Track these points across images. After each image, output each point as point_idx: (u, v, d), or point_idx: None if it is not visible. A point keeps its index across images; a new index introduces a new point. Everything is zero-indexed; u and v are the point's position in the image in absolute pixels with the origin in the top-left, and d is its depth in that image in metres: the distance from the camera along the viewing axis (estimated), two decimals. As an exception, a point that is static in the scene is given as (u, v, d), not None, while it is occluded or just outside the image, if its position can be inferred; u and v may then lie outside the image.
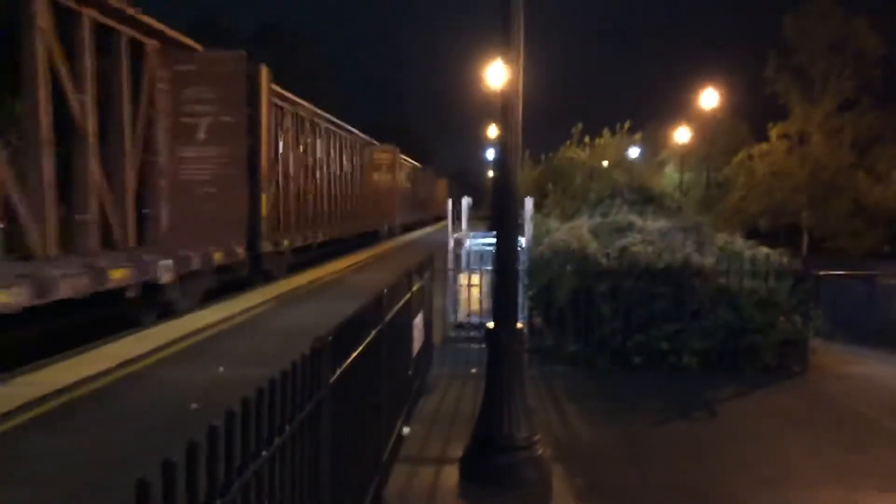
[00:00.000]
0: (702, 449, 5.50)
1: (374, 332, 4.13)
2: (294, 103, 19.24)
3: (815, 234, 38.91)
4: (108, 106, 11.68)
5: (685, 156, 41.16)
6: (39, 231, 9.68)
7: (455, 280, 9.47)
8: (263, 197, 15.13)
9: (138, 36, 12.38)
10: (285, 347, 8.65)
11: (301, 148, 19.94)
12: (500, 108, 4.77)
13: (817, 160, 37.97)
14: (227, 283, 13.97)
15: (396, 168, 37.70)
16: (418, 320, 6.49)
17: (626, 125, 15.25)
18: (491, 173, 43.59)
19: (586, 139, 15.30)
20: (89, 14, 10.79)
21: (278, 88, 17.14)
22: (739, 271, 7.85)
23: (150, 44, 12.88)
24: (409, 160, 46.75)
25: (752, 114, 43.42)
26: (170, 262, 11.26)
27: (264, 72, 15.24)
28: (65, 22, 10.41)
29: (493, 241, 6.54)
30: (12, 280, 7.96)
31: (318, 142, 22.35)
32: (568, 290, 7.96)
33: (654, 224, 9.57)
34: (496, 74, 16.68)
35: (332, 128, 24.40)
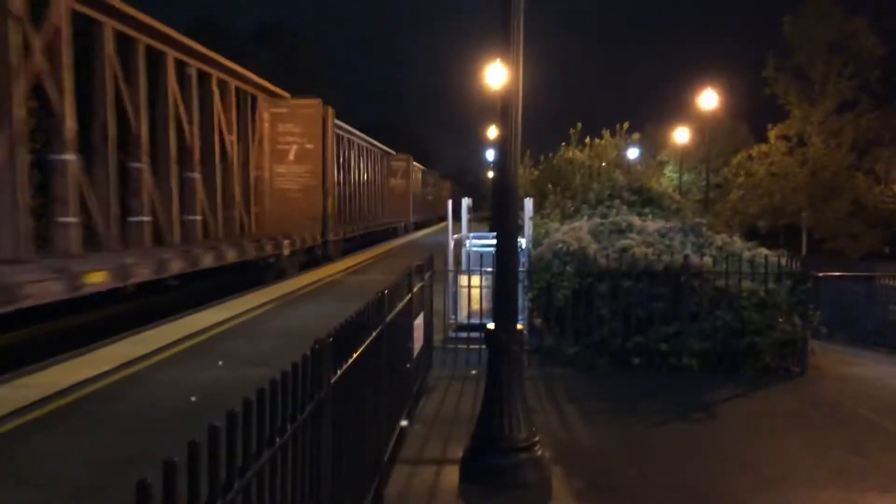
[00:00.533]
0: (701, 450, 5.50)
1: (374, 333, 4.14)
2: (344, 130, 25.44)
3: (814, 234, 38.92)
4: (238, 138, 17.82)
5: (684, 156, 41.20)
6: (214, 224, 16.09)
7: (455, 281, 9.47)
8: (329, 201, 21.27)
9: (252, 90, 18.68)
10: (287, 348, 8.66)
11: (346, 163, 26.23)
12: (500, 109, 4.77)
13: (817, 161, 37.98)
14: (308, 260, 19.97)
15: (410, 174, 42.71)
16: (419, 321, 6.49)
17: (625, 125, 15.22)
18: (491, 174, 43.67)
19: (586, 140, 15.28)
20: (219, 76, 16.57)
21: (336, 120, 22.79)
22: (739, 272, 7.86)
23: (260, 95, 19.22)
24: (419, 165, 51.69)
25: (752, 114, 43.45)
26: (288, 241, 17.73)
27: (331, 112, 21.43)
28: (204, 83, 15.97)
29: (493, 242, 6.56)
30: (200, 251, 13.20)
31: (356, 157, 28.46)
32: (567, 290, 7.97)
33: (654, 225, 9.58)
34: (496, 75, 16.70)
35: (365, 144, 30.54)
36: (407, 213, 41.88)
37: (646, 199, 12.51)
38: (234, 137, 17.32)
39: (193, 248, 13.38)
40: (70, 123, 10.78)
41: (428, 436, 5.72)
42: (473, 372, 7.74)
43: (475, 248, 10.50)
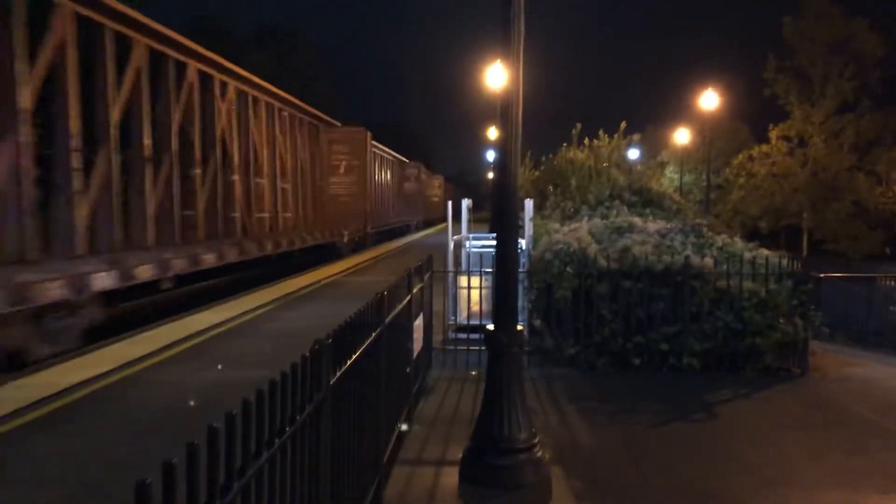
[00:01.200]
0: (702, 450, 5.50)
1: (374, 334, 4.14)
2: (378, 148, 32.84)
3: (815, 235, 38.92)
4: (310, 157, 24.26)
5: (685, 157, 41.20)
6: (298, 219, 22.39)
7: (455, 282, 9.47)
8: (369, 203, 28.42)
9: (315, 122, 25.05)
10: (286, 349, 8.66)
11: (378, 173, 33.18)
12: (500, 110, 4.77)
13: (817, 162, 37.98)
14: (355, 245, 26.83)
15: (421, 179, 50.78)
16: (418, 322, 6.49)
17: (623, 126, 15.21)
18: (491, 175, 43.96)
19: (585, 140, 15.28)
20: (300, 117, 23.16)
21: (372, 141, 29.77)
22: (739, 273, 7.85)
23: (322, 125, 25.92)
24: (425, 170, 58.48)
25: (753, 115, 43.43)
26: (347, 231, 25.37)
27: (369, 135, 28.42)
28: (294, 122, 22.54)
29: (493, 242, 6.55)
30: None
31: (384, 168, 35.45)
32: (568, 291, 7.96)
33: (654, 225, 9.58)
34: (496, 75, 16.69)
35: (389, 157, 37.25)
36: (419, 212, 49.21)
37: (646, 200, 12.52)
38: (308, 157, 24.04)
39: (294, 235, 20.96)
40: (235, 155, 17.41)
41: (427, 437, 5.71)
42: (473, 373, 7.74)
43: (475, 249, 10.50)
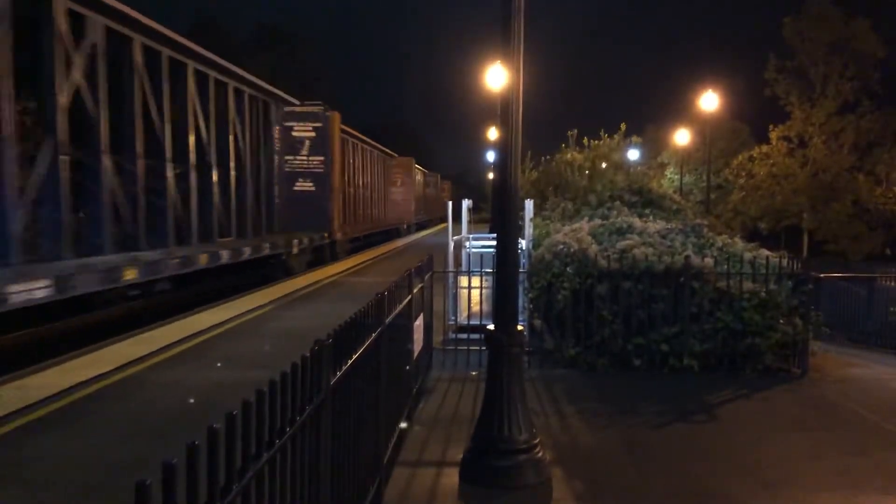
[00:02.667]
0: (702, 451, 5.49)
1: (374, 335, 4.13)
2: (418, 168, 47.74)
3: (815, 236, 38.92)
4: (346, 169, 27.14)
5: (685, 158, 41.19)
6: (335, 220, 22.93)
7: (455, 282, 9.47)
8: (413, 204, 44.97)
9: (383, 154, 35.87)
10: (286, 349, 8.66)
11: (416, 183, 46.70)
12: (501, 110, 4.77)
13: (818, 162, 37.98)
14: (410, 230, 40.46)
15: (439, 185, 66.70)
16: (418, 322, 6.49)
17: (623, 127, 15.21)
18: (491, 175, 44.26)
19: (584, 140, 15.29)
20: (363, 146, 30.31)
21: (417, 166, 45.89)
22: (739, 273, 7.85)
23: (388, 158, 37.27)
24: (441, 180, 71.73)
25: (753, 116, 43.45)
26: (405, 221, 42.14)
27: (412, 160, 45.30)
28: (362, 149, 30.35)
29: (494, 243, 6.55)
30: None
31: (416, 179, 47.42)
32: (568, 292, 7.96)
33: (655, 226, 9.57)
34: (497, 76, 16.69)
35: (418, 170, 49.20)
36: (434, 211, 59.58)
37: (646, 201, 12.52)
38: (382, 174, 34.13)
39: (368, 224, 30.89)
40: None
41: (428, 437, 5.71)
42: (473, 373, 7.73)
43: (475, 250, 10.50)
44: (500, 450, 4.67)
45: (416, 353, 6.32)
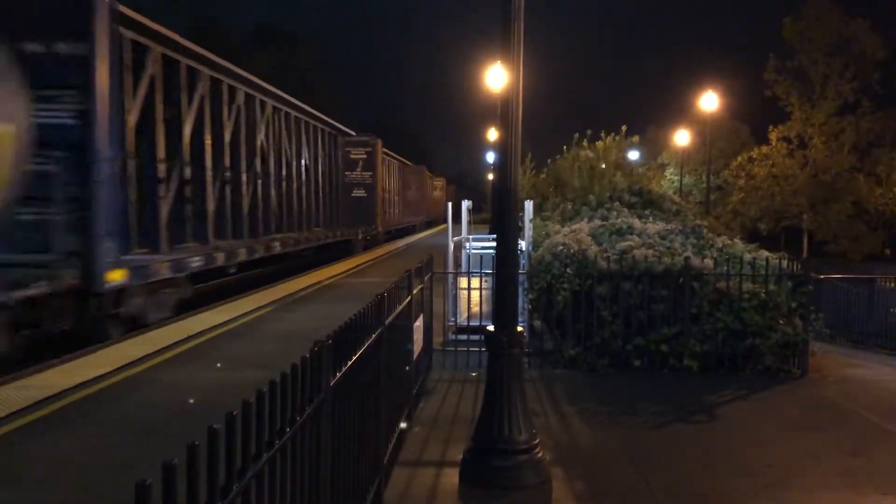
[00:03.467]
0: (702, 452, 5.50)
1: (374, 335, 4.14)
2: (429, 174, 59.80)
3: (815, 237, 38.93)
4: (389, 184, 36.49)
5: (685, 159, 41.20)
6: (378, 218, 30.79)
7: (455, 283, 9.47)
8: (425, 205, 54.45)
9: (404, 161, 43.31)
10: (287, 350, 8.66)
11: (428, 188, 56.33)
12: (500, 111, 4.77)
13: (817, 163, 37.99)
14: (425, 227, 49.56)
15: (444, 188, 73.20)
16: (418, 323, 6.49)
17: (623, 129, 15.23)
18: (491, 176, 44.58)
19: (585, 142, 15.30)
20: (401, 161, 42.06)
21: (428, 172, 57.65)
22: (739, 274, 7.85)
23: (409, 167, 46.81)
24: (435, 177, 73.78)
25: (753, 116, 43.46)
26: (419, 219, 50.45)
27: (425, 168, 57.04)
28: (396, 166, 39.34)
29: (493, 244, 6.55)
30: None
31: (428, 184, 56.21)
32: (568, 292, 7.96)
33: (654, 227, 9.58)
34: (496, 77, 16.69)
35: (428, 175, 58.21)
36: (440, 211, 63.11)
37: (646, 202, 12.52)
38: (401, 181, 40.31)
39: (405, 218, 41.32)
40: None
41: (428, 438, 5.71)
42: (473, 374, 7.74)
43: (475, 251, 10.50)
44: (499, 450, 4.68)
45: (415, 354, 6.32)
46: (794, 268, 8.14)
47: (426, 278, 7.35)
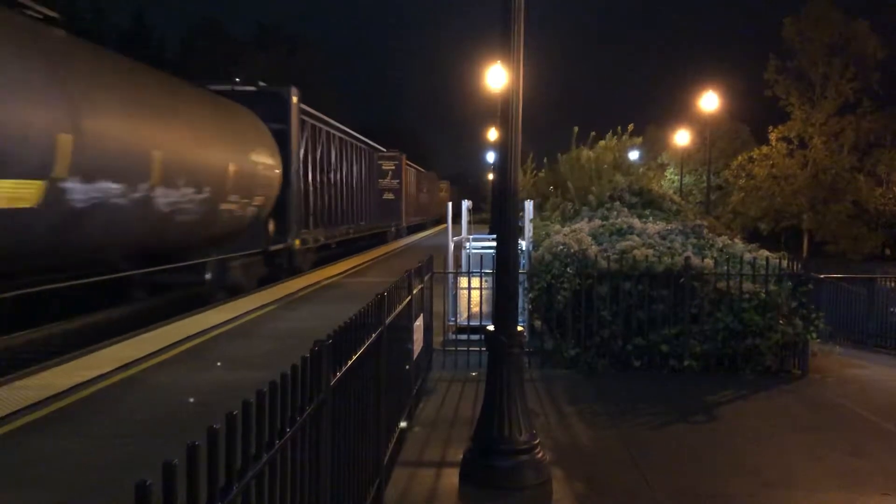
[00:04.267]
0: (702, 452, 5.49)
1: (374, 335, 4.13)
2: (437, 178, 70.23)
3: (815, 237, 38.94)
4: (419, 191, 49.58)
5: (685, 159, 41.20)
6: (403, 216, 40.43)
7: (455, 283, 9.47)
8: (433, 205, 58.12)
9: (419, 169, 52.42)
10: (286, 350, 8.66)
11: (434, 191, 61.80)
12: (501, 111, 4.77)
13: (818, 163, 38.01)
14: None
15: (449, 189, 78.29)
16: (418, 323, 6.49)
17: (630, 127, 15.20)
18: (491, 176, 44.70)
19: (593, 135, 15.28)
20: (417, 169, 51.28)
21: (440, 180, 70.26)
22: (739, 274, 7.85)
23: (423, 173, 54.20)
24: (441, 179, 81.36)
25: (753, 116, 43.47)
26: (430, 217, 56.82)
27: (435, 174, 66.90)
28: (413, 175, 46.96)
29: (493, 243, 6.55)
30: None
31: (436, 186, 64.92)
32: (568, 292, 7.96)
33: (654, 227, 9.58)
34: (497, 77, 16.68)
35: (436, 179, 64.87)
36: (444, 211, 71.55)
37: (646, 201, 12.52)
38: (418, 185, 47.54)
39: (420, 215, 48.36)
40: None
41: (428, 438, 5.71)
42: (473, 374, 7.74)
43: (475, 250, 10.50)
44: (500, 450, 4.67)
45: (415, 354, 6.32)
46: (795, 267, 8.14)
47: (426, 278, 7.34)
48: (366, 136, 35.81)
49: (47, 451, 5.35)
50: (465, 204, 11.40)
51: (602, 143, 15.02)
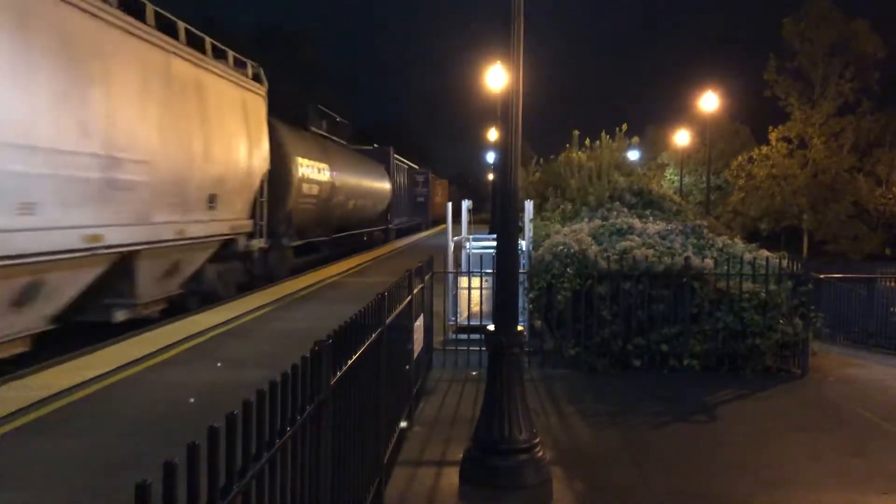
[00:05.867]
0: (702, 452, 5.50)
1: (374, 335, 4.13)
2: (445, 184, 72.98)
3: (815, 236, 38.93)
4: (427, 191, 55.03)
5: (685, 159, 41.19)
6: (429, 213, 53.49)
7: (455, 283, 9.47)
8: (435, 205, 55.10)
9: (437, 177, 66.38)
10: (287, 350, 8.66)
11: (439, 193, 61.95)
12: (501, 111, 4.77)
13: (817, 163, 38.01)
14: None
15: (447, 189, 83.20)
16: (419, 323, 6.49)
17: (624, 128, 15.21)
18: (491, 176, 45.04)
19: (587, 142, 15.28)
20: (431, 176, 57.82)
21: (442, 182, 72.13)
22: (739, 274, 7.85)
23: (438, 180, 67.16)
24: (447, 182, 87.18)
25: (753, 116, 43.46)
26: (433, 216, 56.80)
27: (432, 175, 57.57)
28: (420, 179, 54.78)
29: (494, 243, 6.55)
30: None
31: (441, 188, 65.17)
32: (568, 292, 7.96)
33: (654, 227, 9.57)
34: (497, 77, 16.70)
35: (441, 181, 68.99)
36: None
37: (646, 202, 12.52)
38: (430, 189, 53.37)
39: (435, 213, 53.11)
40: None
41: (428, 437, 5.71)
42: (474, 373, 7.74)
43: (475, 250, 10.50)
44: (500, 450, 4.67)
45: (416, 354, 6.32)
46: (795, 267, 8.14)
47: (426, 278, 7.34)
48: (365, 136, 41.18)
49: (47, 452, 5.35)
50: (466, 204, 11.40)
51: (599, 143, 15.03)
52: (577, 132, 15.34)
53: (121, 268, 10.07)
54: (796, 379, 7.71)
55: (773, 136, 39.19)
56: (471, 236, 11.44)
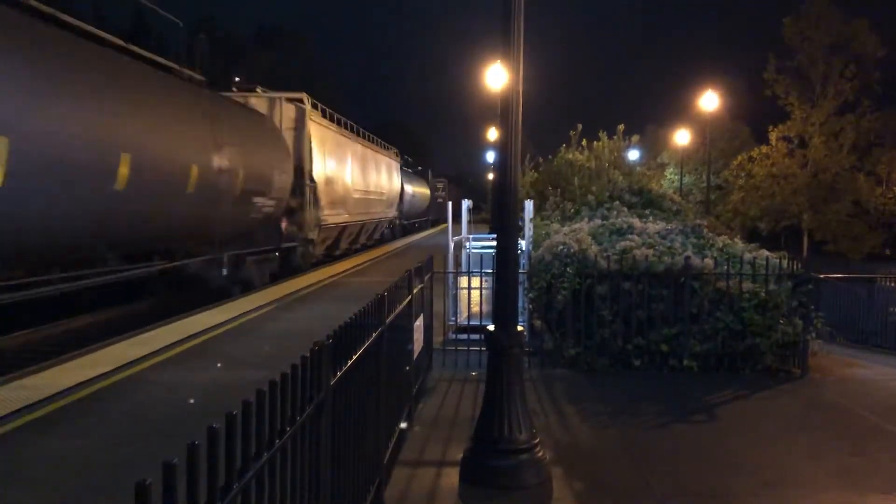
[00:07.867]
0: (702, 451, 5.50)
1: (374, 335, 4.13)
2: (445, 184, 77.57)
3: (815, 236, 38.90)
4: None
5: (685, 158, 41.19)
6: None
7: (455, 283, 9.47)
8: (435, 206, 65.79)
9: (448, 181, 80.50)
10: (286, 350, 8.66)
11: (440, 194, 69.98)
12: (500, 110, 4.77)
13: (817, 162, 37.96)
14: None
15: (451, 189, 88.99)
16: (418, 323, 6.49)
17: (621, 128, 15.21)
18: (491, 176, 45.26)
19: (584, 142, 15.30)
20: (447, 182, 78.28)
21: (439, 180, 76.16)
22: (739, 274, 7.85)
23: (447, 181, 78.55)
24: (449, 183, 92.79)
25: (753, 116, 43.46)
26: (433, 217, 67.01)
27: (429, 175, 70.02)
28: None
29: (493, 243, 6.55)
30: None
31: (444, 188, 71.61)
32: (568, 292, 7.96)
33: (654, 226, 9.57)
34: (496, 76, 16.69)
35: (443, 182, 75.46)
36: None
37: (646, 201, 12.53)
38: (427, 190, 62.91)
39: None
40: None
41: (428, 437, 5.71)
42: (473, 373, 7.74)
43: (475, 250, 10.51)
44: (500, 450, 4.67)
45: (416, 354, 6.32)
46: (795, 267, 8.14)
47: (426, 278, 7.34)
48: (364, 136, 39.74)
49: (48, 451, 5.35)
50: (466, 203, 11.41)
51: (597, 144, 15.03)
52: (580, 126, 15.34)
53: (371, 226, 30.31)
54: (796, 379, 7.71)
55: (772, 135, 39.15)
56: (471, 236, 11.44)
